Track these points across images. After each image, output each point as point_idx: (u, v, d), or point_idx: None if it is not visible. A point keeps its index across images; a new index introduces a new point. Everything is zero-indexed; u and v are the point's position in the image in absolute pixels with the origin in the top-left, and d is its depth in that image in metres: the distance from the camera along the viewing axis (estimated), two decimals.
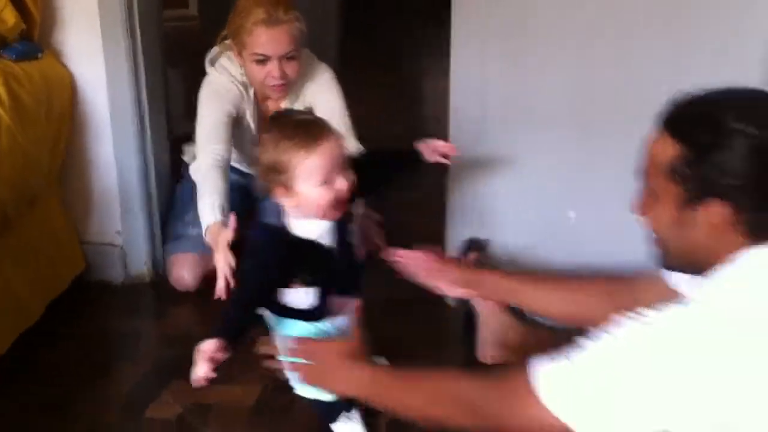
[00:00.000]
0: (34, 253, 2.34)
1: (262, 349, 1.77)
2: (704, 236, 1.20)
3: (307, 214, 1.65)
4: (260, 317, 1.71)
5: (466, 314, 2.20)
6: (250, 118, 2.39)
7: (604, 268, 1.80)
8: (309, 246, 1.67)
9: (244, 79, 2.33)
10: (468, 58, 2.24)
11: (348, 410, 1.89)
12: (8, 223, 2.18)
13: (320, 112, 2.34)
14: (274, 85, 2.26)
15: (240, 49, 2.26)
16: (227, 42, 2.34)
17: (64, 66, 2.45)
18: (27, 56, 2.31)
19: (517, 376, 1.26)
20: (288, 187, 1.62)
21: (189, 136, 2.70)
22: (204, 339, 1.48)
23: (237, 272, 1.73)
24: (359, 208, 1.79)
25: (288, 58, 2.23)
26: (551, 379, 1.21)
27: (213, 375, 1.48)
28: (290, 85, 2.31)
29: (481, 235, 2.32)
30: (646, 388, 1.13)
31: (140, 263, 2.65)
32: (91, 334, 2.38)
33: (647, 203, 1.27)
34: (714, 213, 1.17)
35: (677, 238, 1.25)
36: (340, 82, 2.40)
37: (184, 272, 2.54)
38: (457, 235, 2.38)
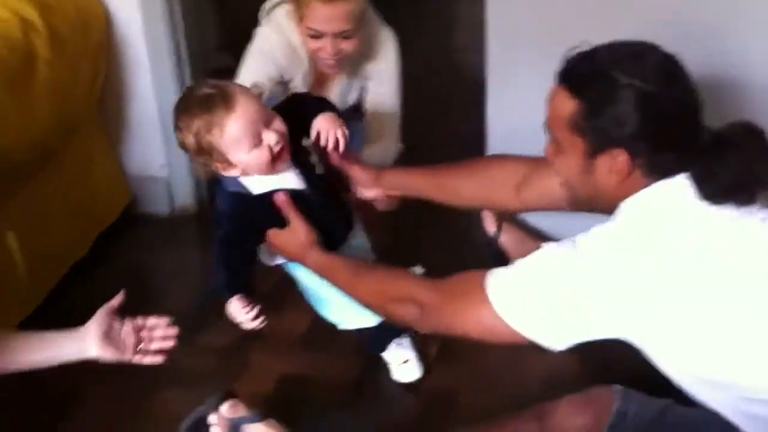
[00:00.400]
0: (80, 186, 2.34)
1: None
2: (607, 181, 1.32)
3: (257, 174, 1.60)
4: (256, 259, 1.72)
5: (494, 255, 2.17)
6: (301, 83, 2.20)
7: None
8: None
9: (298, 42, 2.15)
10: None
11: (398, 336, 1.87)
12: (52, 154, 2.18)
13: (371, 95, 2.26)
14: (326, 60, 2.12)
15: (298, 16, 2.09)
16: None
17: None
18: None
19: (470, 279, 1.40)
20: (224, 162, 1.57)
21: (226, 70, 2.66)
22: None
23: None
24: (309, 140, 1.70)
25: (344, 36, 2.07)
26: (499, 282, 1.35)
27: (261, 320, 1.59)
28: (345, 61, 2.14)
29: None
30: (576, 296, 1.27)
31: (185, 196, 2.63)
32: (139, 265, 2.39)
33: (554, 152, 1.39)
34: (614, 160, 1.29)
35: (583, 185, 1.36)
36: None
37: None
38: None
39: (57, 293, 2.16)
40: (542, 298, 1.31)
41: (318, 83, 2.23)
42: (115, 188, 2.55)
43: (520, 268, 1.36)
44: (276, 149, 1.56)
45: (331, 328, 2.04)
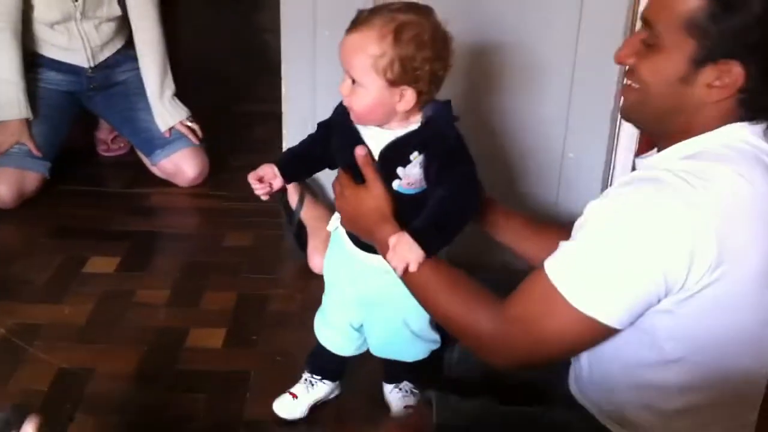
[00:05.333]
0: None
1: None
2: (703, 97, 1.15)
3: None
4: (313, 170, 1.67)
5: (293, 228, 2.23)
6: None
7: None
8: (355, 135, 1.43)
9: None
10: None
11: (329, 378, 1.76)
12: None
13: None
14: None
15: None
16: None
17: None
18: None
19: (537, 280, 1.18)
20: None
21: None
22: None
23: None
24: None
25: None
26: (565, 270, 1.15)
27: (264, 196, 1.54)
28: None
29: None
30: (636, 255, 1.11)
31: None
32: None
33: (643, 52, 1.18)
34: (725, 73, 1.12)
35: (668, 94, 1.17)
36: None
37: (1, 187, 2.42)
38: None
39: None
40: (610, 268, 1.12)
41: None
42: None
43: (572, 245, 1.17)
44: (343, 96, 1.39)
45: (111, 320, 2.03)
